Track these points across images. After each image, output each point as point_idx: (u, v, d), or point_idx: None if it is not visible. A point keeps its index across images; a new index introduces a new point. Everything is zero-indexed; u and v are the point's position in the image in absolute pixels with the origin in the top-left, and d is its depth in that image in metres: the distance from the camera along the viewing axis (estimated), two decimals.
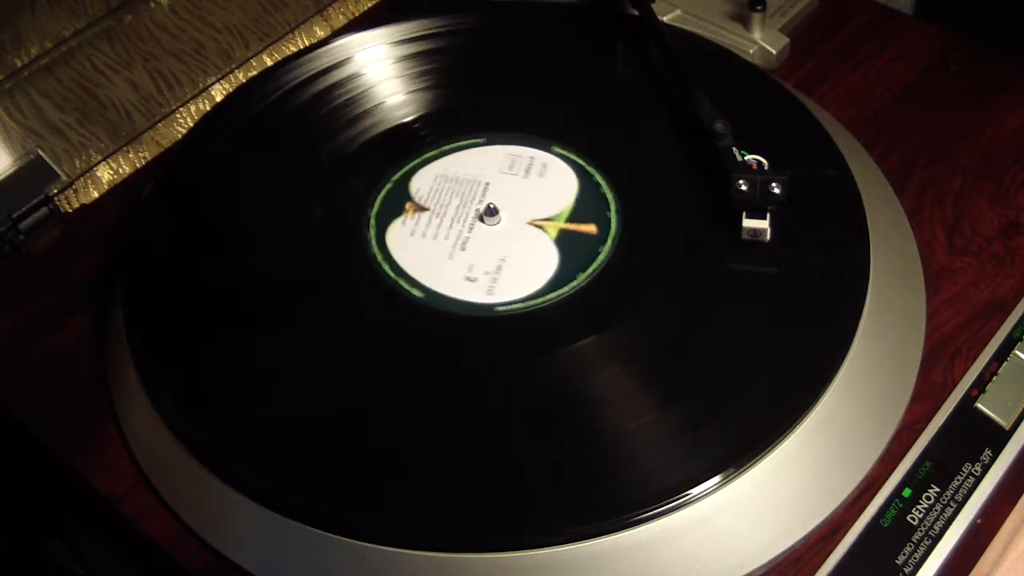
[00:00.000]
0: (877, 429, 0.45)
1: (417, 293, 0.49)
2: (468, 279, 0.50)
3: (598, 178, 0.54)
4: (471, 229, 0.52)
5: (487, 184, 0.54)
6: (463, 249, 0.51)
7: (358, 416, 0.45)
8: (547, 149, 0.55)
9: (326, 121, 0.57)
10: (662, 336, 0.47)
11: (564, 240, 0.51)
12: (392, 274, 0.50)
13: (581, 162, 0.54)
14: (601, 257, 0.50)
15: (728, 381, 0.45)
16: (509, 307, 0.48)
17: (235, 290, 0.51)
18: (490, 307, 0.48)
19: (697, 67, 0.55)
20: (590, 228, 0.51)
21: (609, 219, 0.52)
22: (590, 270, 0.50)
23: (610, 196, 0.53)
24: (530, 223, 0.52)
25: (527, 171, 0.54)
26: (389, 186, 0.54)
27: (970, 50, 0.61)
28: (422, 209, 0.52)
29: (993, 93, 0.59)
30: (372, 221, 0.52)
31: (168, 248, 0.53)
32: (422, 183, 0.54)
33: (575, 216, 0.52)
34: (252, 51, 0.65)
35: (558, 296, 0.49)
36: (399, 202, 0.53)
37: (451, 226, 0.52)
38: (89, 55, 0.61)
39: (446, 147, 0.56)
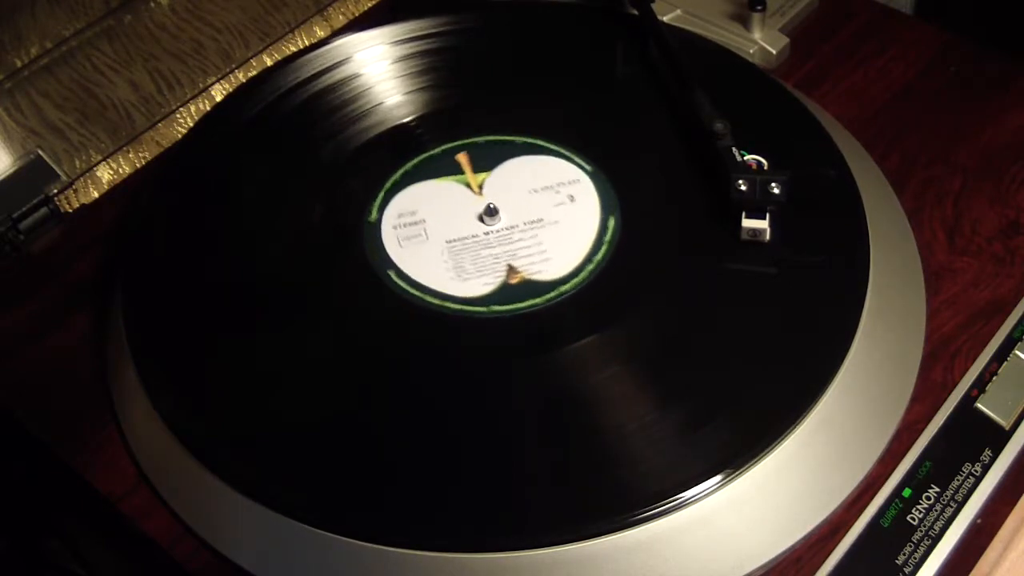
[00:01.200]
0: (877, 429, 0.45)
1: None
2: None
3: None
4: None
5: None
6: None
7: (358, 416, 0.45)
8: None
9: (326, 121, 0.57)
10: (662, 336, 0.47)
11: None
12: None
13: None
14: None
15: (728, 381, 0.45)
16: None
17: (235, 290, 0.51)
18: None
19: (697, 67, 0.55)
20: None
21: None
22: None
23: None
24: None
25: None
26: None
27: (970, 50, 0.61)
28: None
29: (993, 93, 0.59)
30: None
31: (168, 248, 0.53)
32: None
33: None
34: (252, 51, 0.65)
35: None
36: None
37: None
38: (89, 55, 0.61)
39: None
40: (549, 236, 0.51)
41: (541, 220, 0.52)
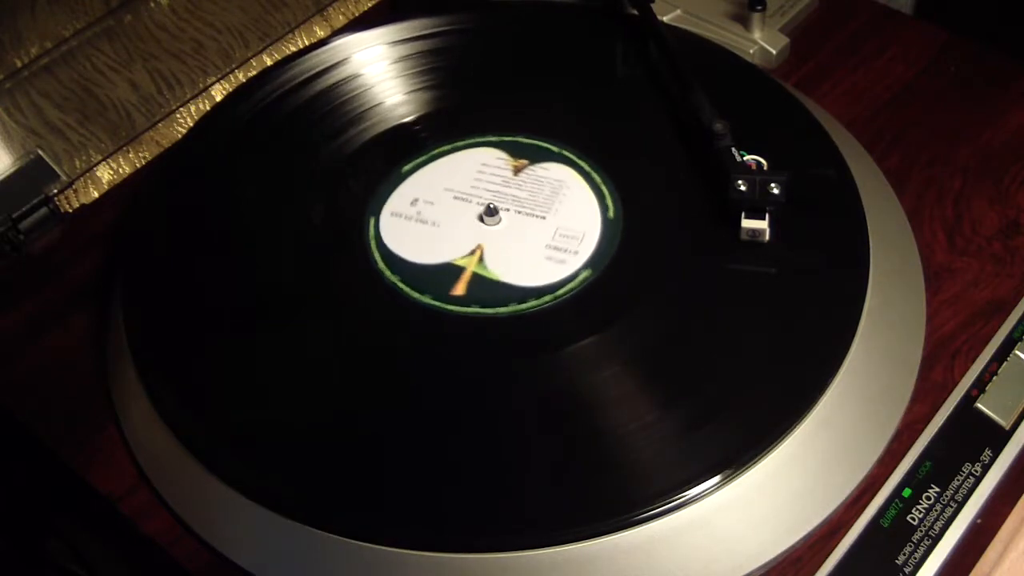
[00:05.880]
0: (877, 429, 0.45)
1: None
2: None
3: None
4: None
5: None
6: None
7: (358, 416, 0.45)
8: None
9: (326, 121, 0.57)
10: (662, 336, 0.47)
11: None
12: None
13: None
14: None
15: (728, 381, 0.45)
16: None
17: (235, 290, 0.51)
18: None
19: (697, 67, 0.55)
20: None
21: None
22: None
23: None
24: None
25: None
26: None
27: (970, 50, 0.61)
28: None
29: (993, 93, 0.59)
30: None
31: (168, 248, 0.53)
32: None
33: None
34: (252, 51, 0.65)
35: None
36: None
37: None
38: (89, 55, 0.61)
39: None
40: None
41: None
